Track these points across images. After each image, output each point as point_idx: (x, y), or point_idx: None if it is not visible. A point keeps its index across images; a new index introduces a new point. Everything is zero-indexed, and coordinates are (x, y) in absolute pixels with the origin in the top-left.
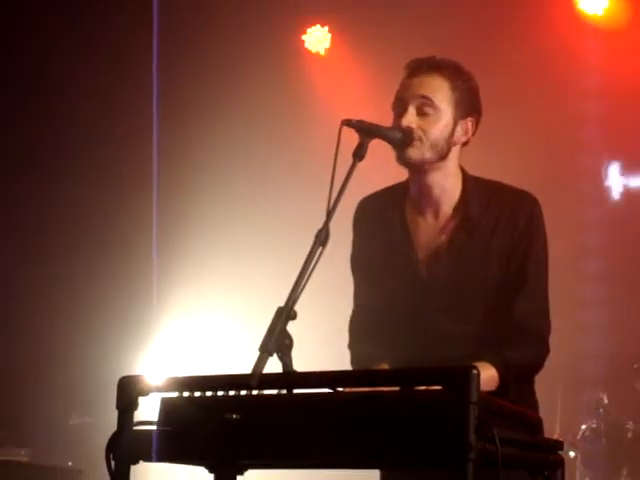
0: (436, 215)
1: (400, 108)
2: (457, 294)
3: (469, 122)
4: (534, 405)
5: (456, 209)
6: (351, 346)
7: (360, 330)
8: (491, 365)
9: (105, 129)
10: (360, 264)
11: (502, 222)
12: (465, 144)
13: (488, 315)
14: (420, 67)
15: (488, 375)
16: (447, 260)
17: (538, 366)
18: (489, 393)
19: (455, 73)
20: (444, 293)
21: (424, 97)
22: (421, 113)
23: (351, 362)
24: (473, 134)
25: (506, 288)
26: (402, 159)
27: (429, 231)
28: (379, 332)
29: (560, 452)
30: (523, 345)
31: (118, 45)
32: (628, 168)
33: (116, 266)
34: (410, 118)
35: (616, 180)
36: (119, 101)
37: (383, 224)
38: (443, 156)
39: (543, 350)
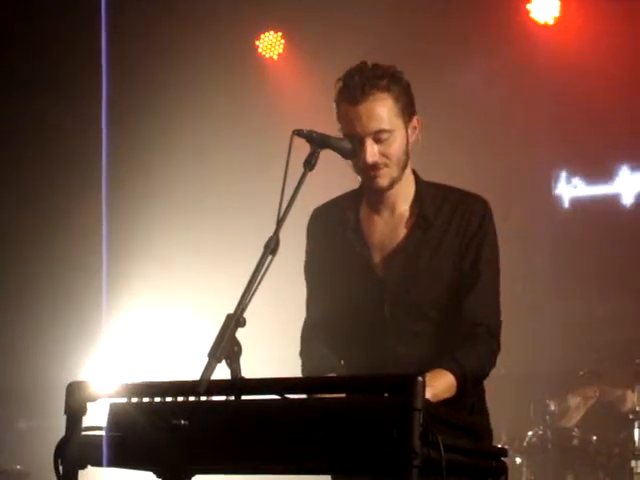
0: (392, 213)
1: (356, 143)
2: (412, 292)
3: (415, 120)
4: (484, 411)
5: (412, 207)
6: (302, 354)
7: (311, 337)
8: (449, 372)
9: (50, 135)
10: (314, 270)
11: (455, 222)
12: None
13: (443, 313)
14: (362, 89)
15: (447, 382)
16: (402, 258)
17: (491, 366)
18: (448, 400)
19: (391, 80)
20: (399, 291)
21: (378, 130)
22: (378, 140)
23: (302, 370)
24: (420, 130)
25: (459, 286)
26: (375, 187)
27: (384, 229)
28: (333, 336)
29: (504, 459)
30: (475, 345)
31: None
32: (577, 177)
33: (64, 269)
34: (372, 151)
35: (565, 189)
36: (65, 106)
37: (337, 227)
38: (405, 166)
39: (494, 347)
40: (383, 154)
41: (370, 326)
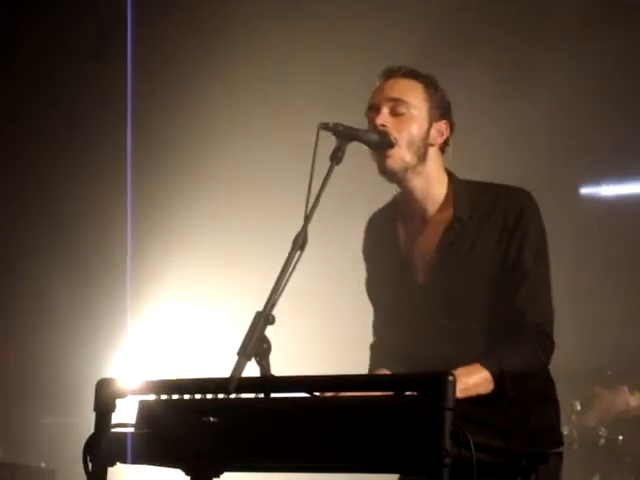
0: (422, 219)
1: (373, 112)
2: (452, 295)
3: (443, 124)
4: (548, 412)
5: (440, 210)
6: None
7: (373, 352)
8: (483, 367)
9: (78, 127)
10: (369, 291)
11: (492, 221)
12: (443, 149)
13: (490, 313)
14: (395, 72)
15: (481, 377)
16: (437, 262)
17: (540, 364)
18: (486, 396)
19: (428, 80)
20: (439, 295)
21: (396, 99)
22: (394, 113)
23: None
24: (450, 136)
25: (505, 284)
26: (384, 169)
27: (418, 235)
28: (387, 346)
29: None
30: (522, 342)
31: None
32: (597, 176)
33: (89, 262)
34: (384, 117)
35: (591, 187)
36: (93, 93)
37: (380, 243)
38: (422, 157)
39: (545, 345)
40: (395, 127)
41: (417, 333)
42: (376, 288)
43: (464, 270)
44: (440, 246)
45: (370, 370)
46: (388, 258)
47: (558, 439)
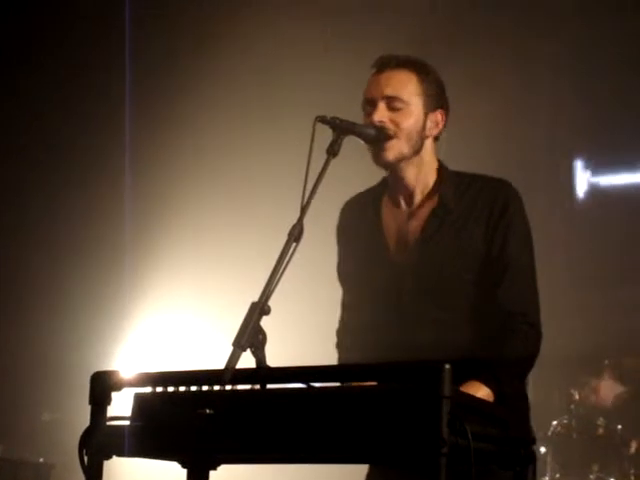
0: (409, 203)
1: (370, 107)
2: (430, 279)
3: (438, 114)
4: (522, 398)
5: (428, 197)
6: (336, 347)
7: (341, 333)
8: (483, 384)
9: (77, 120)
10: (343, 271)
11: (477, 209)
12: (436, 138)
13: (468, 301)
14: (388, 63)
15: (484, 395)
16: (419, 247)
17: (532, 357)
18: None
19: (421, 67)
20: (417, 278)
21: (392, 97)
22: (391, 108)
23: (338, 361)
24: (444, 126)
25: (489, 275)
26: (380, 161)
27: (401, 219)
28: (357, 327)
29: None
30: (512, 340)
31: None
32: (595, 166)
33: (88, 260)
34: (381, 113)
35: (582, 178)
36: (91, 84)
37: (359, 223)
38: (418, 150)
39: (534, 336)
40: (393, 121)
41: (388, 313)
42: (352, 269)
43: (446, 258)
44: (425, 231)
45: (346, 360)
46: (366, 238)
47: (532, 435)
